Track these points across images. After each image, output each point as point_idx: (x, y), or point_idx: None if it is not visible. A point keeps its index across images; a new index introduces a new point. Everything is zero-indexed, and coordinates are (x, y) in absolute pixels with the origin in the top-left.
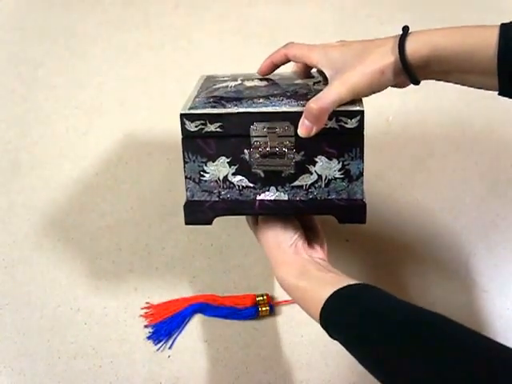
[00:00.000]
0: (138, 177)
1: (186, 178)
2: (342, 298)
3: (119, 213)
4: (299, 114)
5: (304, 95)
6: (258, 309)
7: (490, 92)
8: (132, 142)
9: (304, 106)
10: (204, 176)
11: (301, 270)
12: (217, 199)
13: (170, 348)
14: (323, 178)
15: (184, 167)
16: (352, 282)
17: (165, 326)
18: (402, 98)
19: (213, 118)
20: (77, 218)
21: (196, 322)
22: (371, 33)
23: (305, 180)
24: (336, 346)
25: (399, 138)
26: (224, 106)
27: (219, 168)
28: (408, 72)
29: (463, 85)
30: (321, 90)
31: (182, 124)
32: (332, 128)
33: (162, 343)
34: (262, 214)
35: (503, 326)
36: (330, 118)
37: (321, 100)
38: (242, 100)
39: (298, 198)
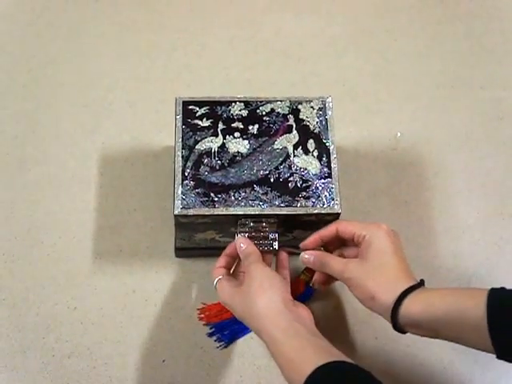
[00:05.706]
0: (143, 179)
1: (176, 238)
2: (329, 376)
3: (122, 214)
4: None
5: (285, 185)
6: None
7: (500, 114)
8: (139, 144)
9: (288, 203)
10: (194, 237)
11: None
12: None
13: (164, 352)
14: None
15: (175, 232)
16: (340, 356)
17: None
18: (411, 115)
19: (204, 216)
20: (79, 216)
21: (191, 328)
22: (384, 48)
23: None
24: None
25: (407, 154)
26: (213, 203)
27: (207, 236)
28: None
29: (456, 343)
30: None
31: (176, 218)
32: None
33: (157, 347)
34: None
35: None
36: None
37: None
38: (229, 191)
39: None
